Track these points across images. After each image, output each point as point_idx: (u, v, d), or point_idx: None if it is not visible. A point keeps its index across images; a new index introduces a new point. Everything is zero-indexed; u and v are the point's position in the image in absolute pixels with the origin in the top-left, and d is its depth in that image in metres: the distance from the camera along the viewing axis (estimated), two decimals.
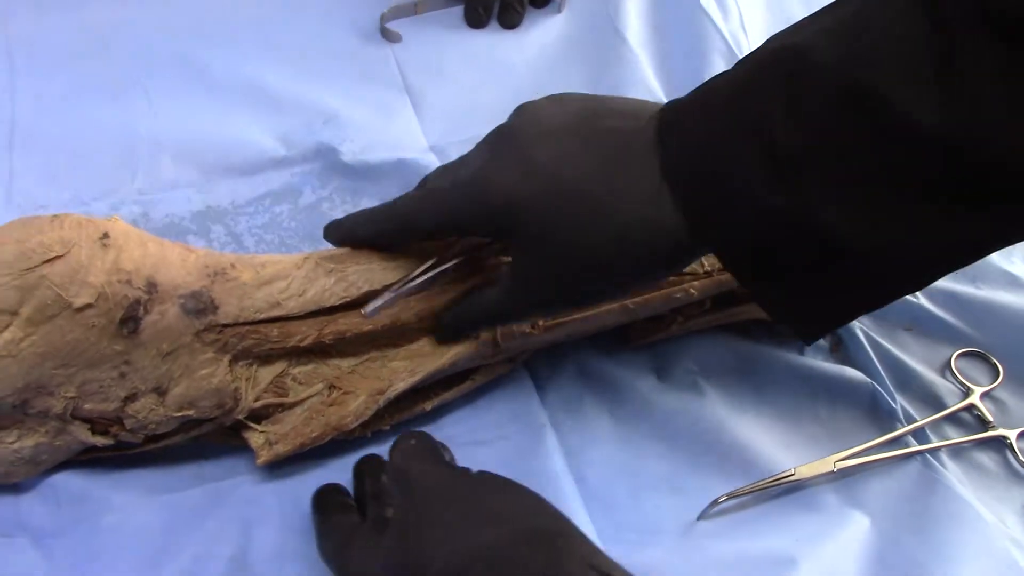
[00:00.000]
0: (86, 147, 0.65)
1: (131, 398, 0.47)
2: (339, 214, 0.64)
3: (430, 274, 0.50)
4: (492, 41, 0.77)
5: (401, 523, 0.41)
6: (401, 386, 0.51)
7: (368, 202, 0.65)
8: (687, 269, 0.54)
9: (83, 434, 0.48)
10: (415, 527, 0.40)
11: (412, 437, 0.47)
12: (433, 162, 0.67)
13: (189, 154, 0.66)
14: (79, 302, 0.45)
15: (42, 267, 0.45)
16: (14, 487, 0.49)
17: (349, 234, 0.52)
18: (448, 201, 0.47)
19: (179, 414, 0.48)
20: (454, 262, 0.51)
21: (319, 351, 0.52)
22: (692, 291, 0.55)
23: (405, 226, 0.49)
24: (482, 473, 0.43)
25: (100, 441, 0.48)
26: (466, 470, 0.44)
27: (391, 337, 0.52)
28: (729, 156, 0.40)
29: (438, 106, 0.72)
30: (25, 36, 0.72)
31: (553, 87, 0.49)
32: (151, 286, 0.47)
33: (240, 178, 0.65)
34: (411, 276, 0.50)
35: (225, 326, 0.48)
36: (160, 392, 0.47)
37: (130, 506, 0.50)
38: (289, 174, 0.66)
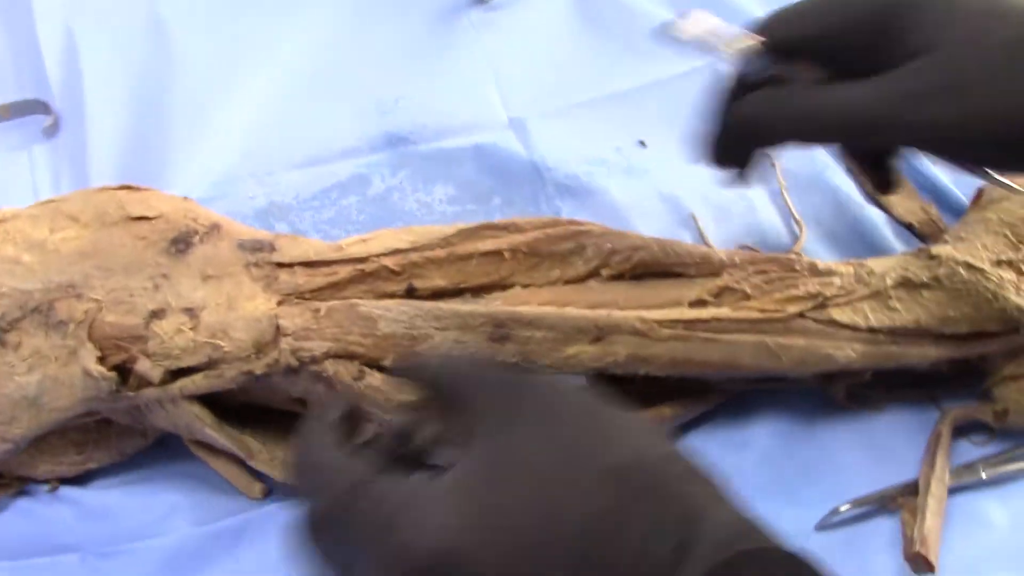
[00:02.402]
0: (138, 140, 0.62)
1: (158, 314, 0.42)
2: (411, 204, 0.59)
3: None
4: None
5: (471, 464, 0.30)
6: None
7: (443, 189, 0.60)
8: (846, 321, 0.45)
9: (91, 362, 0.42)
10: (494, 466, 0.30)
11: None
12: (511, 141, 0.61)
13: (249, 145, 0.62)
14: (136, 213, 0.46)
15: (118, 193, 0.48)
16: None
17: None
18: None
19: (209, 341, 0.42)
20: None
21: None
22: (851, 353, 0.45)
23: None
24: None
25: (105, 375, 0.42)
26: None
27: None
28: None
29: (520, 74, 0.65)
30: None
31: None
32: (214, 227, 0.46)
33: (304, 170, 0.60)
34: None
35: (279, 264, 0.44)
36: (192, 315, 0.42)
37: None
38: (355, 164, 0.61)
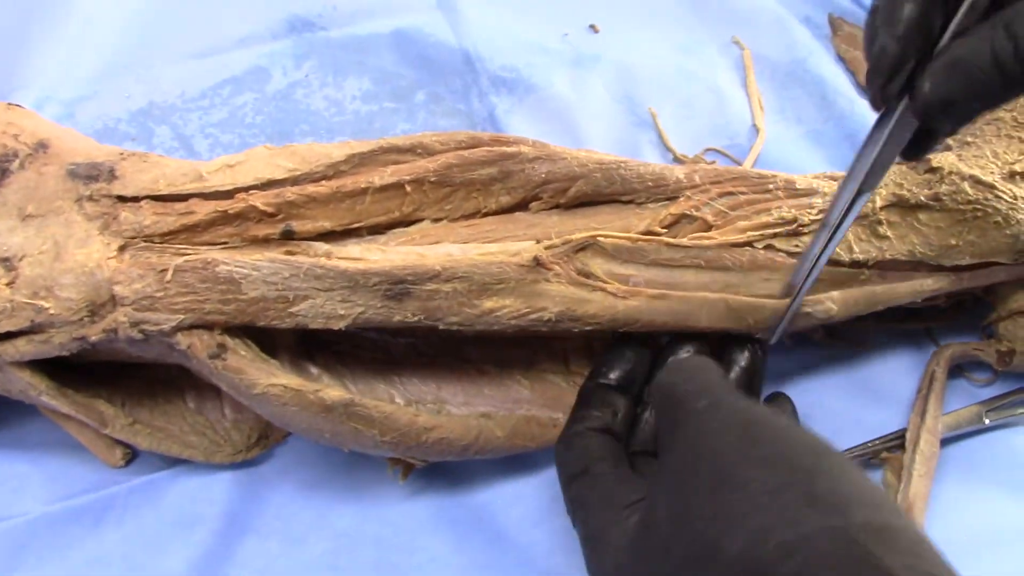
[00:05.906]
0: None
1: None
2: (318, 102, 0.50)
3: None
4: None
5: (673, 476, 0.30)
6: None
7: (356, 84, 0.51)
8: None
9: None
10: (695, 487, 0.29)
11: (687, 344, 0.37)
12: (439, 25, 0.52)
13: (125, 32, 0.53)
14: None
15: None
16: None
17: None
18: None
19: (30, 301, 0.33)
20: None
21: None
22: (832, 307, 0.38)
23: None
24: (790, 423, 0.31)
25: None
26: (766, 409, 0.32)
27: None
28: None
29: None
30: None
31: None
32: (40, 146, 0.37)
33: (192, 62, 0.52)
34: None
35: (121, 198, 0.35)
36: (8, 266, 0.34)
37: None
38: (253, 54, 0.53)
